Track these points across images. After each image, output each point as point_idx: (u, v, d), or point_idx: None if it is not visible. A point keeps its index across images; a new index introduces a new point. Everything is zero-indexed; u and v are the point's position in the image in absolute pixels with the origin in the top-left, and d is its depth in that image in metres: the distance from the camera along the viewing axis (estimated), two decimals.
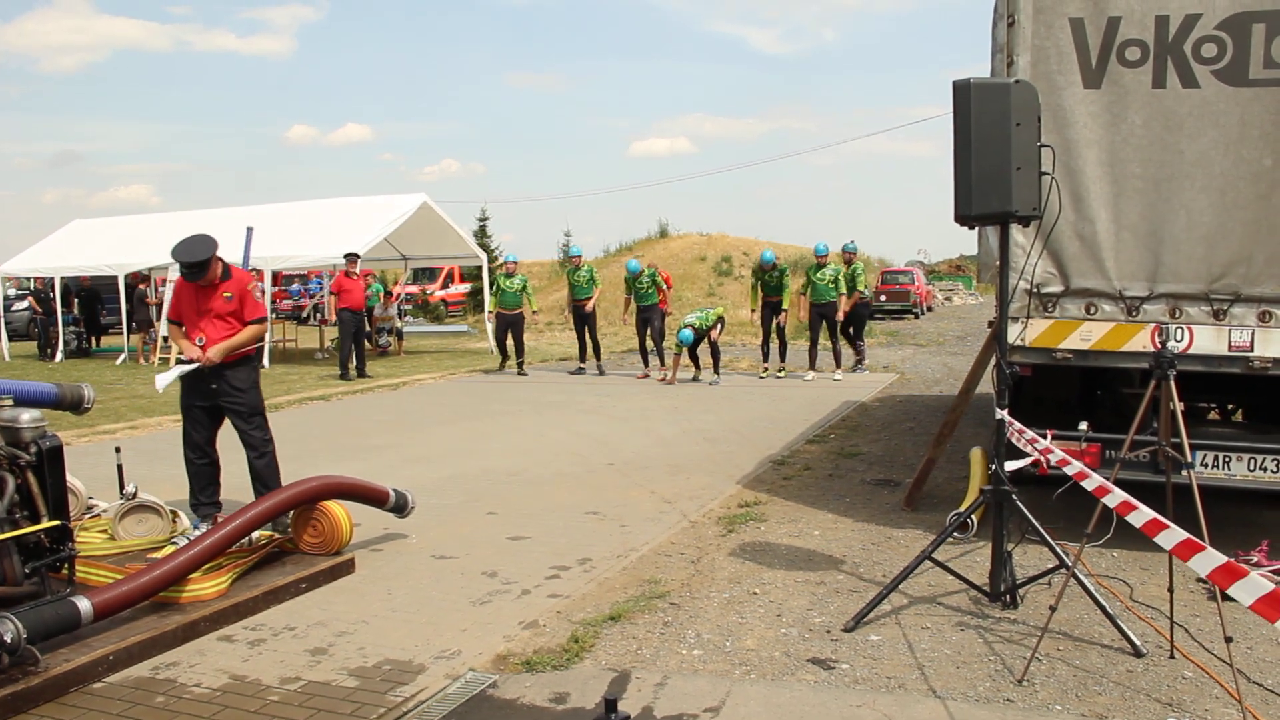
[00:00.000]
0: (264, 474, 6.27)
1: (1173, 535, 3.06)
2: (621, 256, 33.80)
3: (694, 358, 15.10)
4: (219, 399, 6.09)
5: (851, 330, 15.45)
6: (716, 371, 15.27)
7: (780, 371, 15.01)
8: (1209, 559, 2.78)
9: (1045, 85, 5.35)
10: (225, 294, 6.04)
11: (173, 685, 4.02)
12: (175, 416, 11.76)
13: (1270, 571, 5.06)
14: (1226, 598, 4.31)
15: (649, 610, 4.83)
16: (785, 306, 14.77)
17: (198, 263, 5.83)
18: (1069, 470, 4.15)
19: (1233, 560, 2.69)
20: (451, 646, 4.41)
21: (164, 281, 20.08)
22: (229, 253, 18.25)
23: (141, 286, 20.36)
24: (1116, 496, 3.57)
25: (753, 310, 15.11)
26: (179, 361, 6.09)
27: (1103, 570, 5.37)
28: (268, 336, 18.37)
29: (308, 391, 14.09)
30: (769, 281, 14.63)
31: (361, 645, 4.44)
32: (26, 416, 4.39)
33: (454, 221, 20.75)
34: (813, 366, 14.85)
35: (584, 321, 15.70)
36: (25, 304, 25.14)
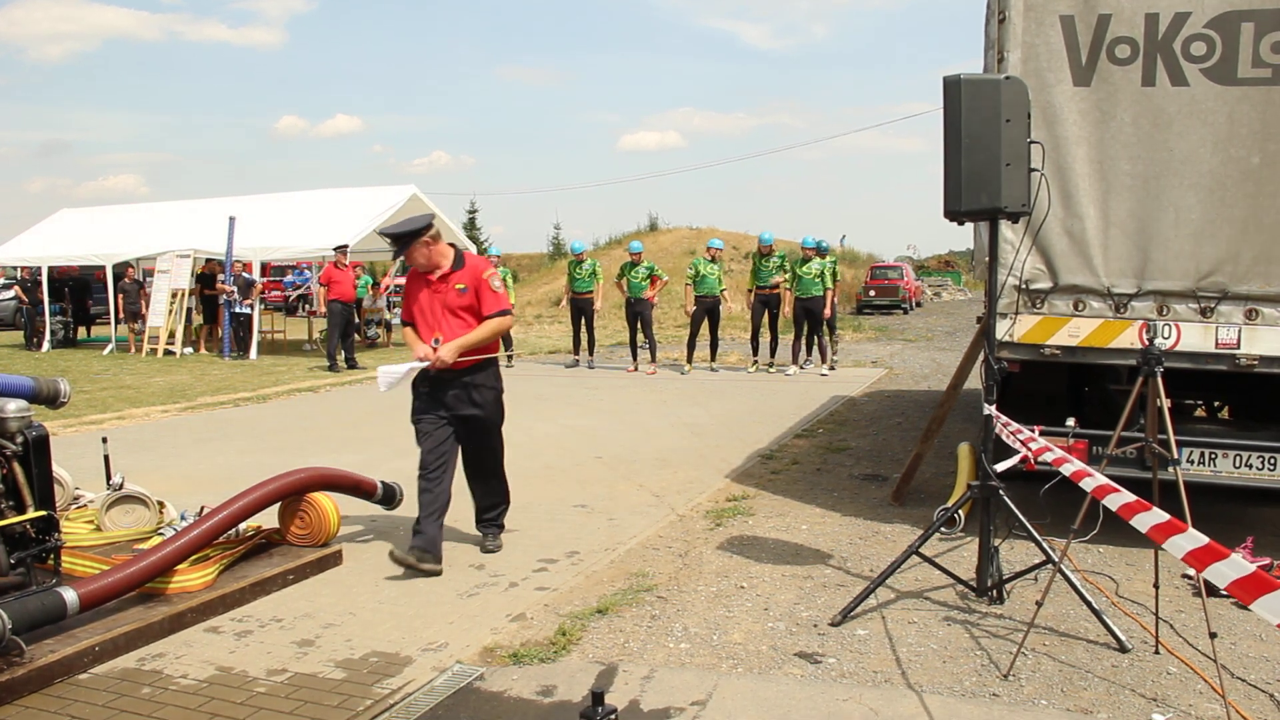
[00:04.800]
0: (489, 478, 5.75)
1: (1150, 517, 3.06)
2: (611, 250, 33.79)
3: (690, 345, 15.10)
4: (455, 409, 5.42)
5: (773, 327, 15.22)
6: (714, 358, 15.31)
7: (769, 367, 15.00)
8: (1186, 541, 2.78)
9: (1035, 82, 5.36)
10: (458, 285, 5.35)
11: (159, 676, 4.00)
12: (163, 407, 11.72)
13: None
14: (1211, 594, 4.36)
15: (636, 604, 4.84)
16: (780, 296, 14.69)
17: (397, 234, 5.30)
18: (1047, 458, 4.17)
19: (1211, 541, 2.69)
20: (438, 639, 4.41)
21: (153, 272, 20.00)
22: (215, 242, 18.26)
23: (129, 278, 20.25)
24: (1094, 480, 3.58)
25: (750, 290, 15.02)
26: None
27: (1089, 566, 5.40)
28: (255, 326, 18.44)
29: (296, 383, 14.06)
30: (763, 268, 14.54)
31: (348, 637, 4.43)
32: (12, 406, 4.36)
33: (443, 213, 20.72)
34: (795, 361, 14.87)
35: (583, 315, 15.69)
36: (11, 293, 25.01)
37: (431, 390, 5.42)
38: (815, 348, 14.95)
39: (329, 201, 20.11)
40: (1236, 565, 2.51)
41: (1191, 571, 4.54)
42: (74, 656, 4.01)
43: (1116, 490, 3.40)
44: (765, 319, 14.79)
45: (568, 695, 3.81)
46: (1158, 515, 3.04)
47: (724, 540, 5.95)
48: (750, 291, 14.91)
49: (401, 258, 5.45)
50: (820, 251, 14.59)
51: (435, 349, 5.28)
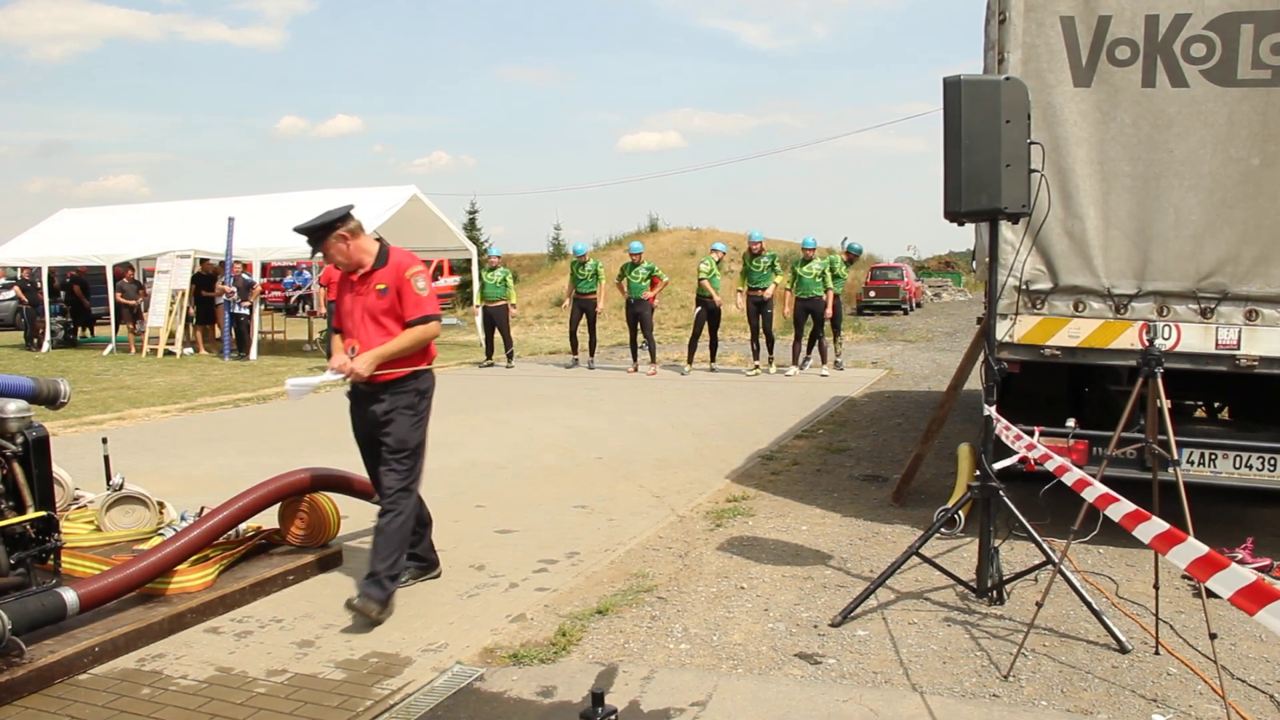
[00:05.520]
0: (384, 533, 4.67)
1: (1152, 527, 3.07)
2: (612, 250, 33.78)
3: (692, 346, 15.08)
4: (372, 428, 4.82)
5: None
6: (714, 359, 15.30)
7: (770, 368, 14.96)
8: (1189, 550, 2.78)
9: (1036, 83, 5.36)
10: (379, 286, 4.68)
11: (159, 677, 4.00)
12: (163, 408, 11.73)
13: (1254, 569, 5.10)
14: (1211, 595, 4.36)
15: (636, 604, 4.84)
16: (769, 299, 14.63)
17: (309, 228, 4.66)
18: (1049, 466, 4.17)
19: (1213, 551, 2.70)
20: (439, 639, 4.41)
21: (153, 272, 19.98)
22: (215, 243, 18.26)
23: (128, 278, 20.24)
24: (1096, 490, 3.58)
25: (739, 290, 14.99)
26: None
27: (1089, 566, 5.40)
28: (255, 326, 18.42)
29: None
30: (755, 269, 14.48)
31: (349, 638, 4.43)
32: (12, 407, 4.36)
33: (444, 214, 20.70)
34: (795, 361, 14.82)
35: (585, 315, 15.68)
36: (11, 294, 25.00)
37: (356, 406, 4.90)
38: (816, 348, 14.90)
39: (329, 202, 19.76)
40: (1240, 576, 2.52)
41: None
42: (74, 657, 4.01)
43: (1117, 500, 3.40)
44: (760, 321, 14.67)
45: (568, 696, 3.81)
46: (1159, 525, 3.04)
47: (724, 541, 5.95)
48: (739, 293, 14.86)
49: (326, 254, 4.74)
50: (852, 254, 15.14)
51: (352, 359, 4.68)
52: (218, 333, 18.62)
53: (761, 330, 14.72)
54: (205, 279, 19.06)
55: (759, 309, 14.54)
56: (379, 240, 4.86)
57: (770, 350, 14.98)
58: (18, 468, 4.33)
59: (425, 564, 5.22)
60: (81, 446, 8.79)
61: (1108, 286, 5.55)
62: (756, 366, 14.86)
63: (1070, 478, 3.86)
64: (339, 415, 11.57)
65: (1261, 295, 5.32)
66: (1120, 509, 3.32)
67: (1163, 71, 5.30)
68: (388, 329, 4.71)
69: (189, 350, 18.96)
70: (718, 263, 15.10)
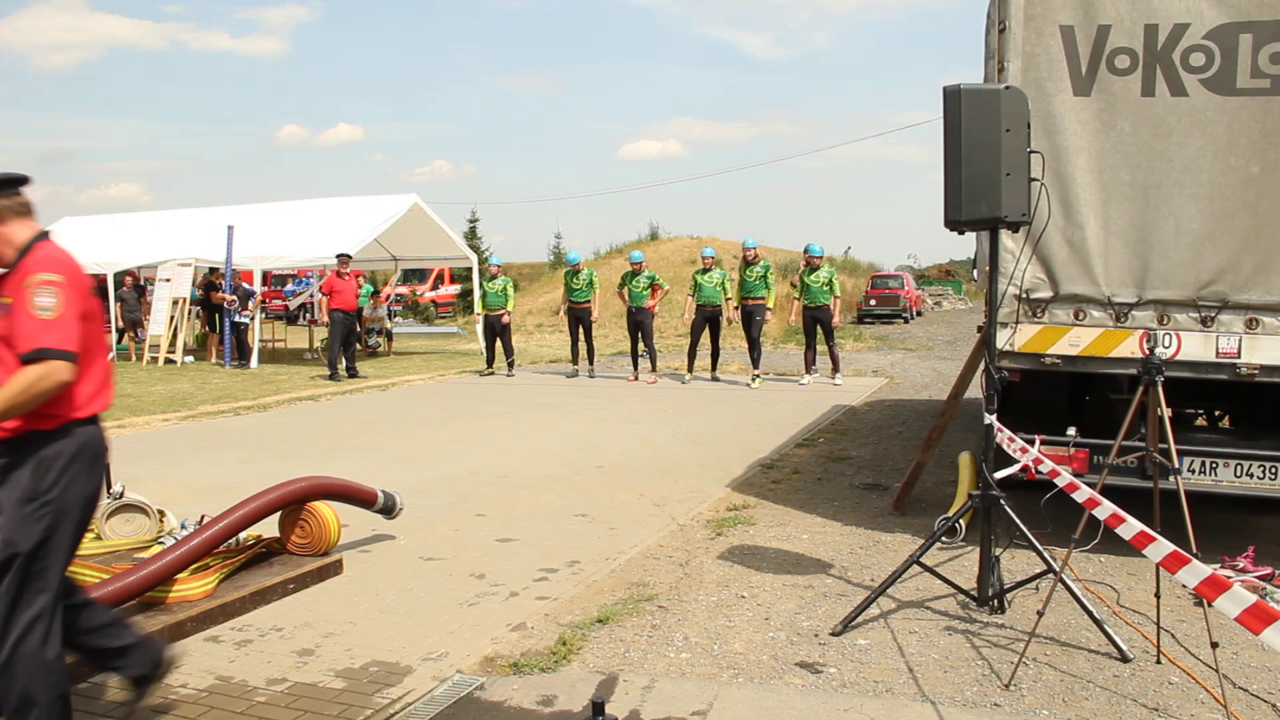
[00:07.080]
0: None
1: (1161, 548, 3.08)
2: (612, 259, 33.83)
3: (691, 355, 14.98)
4: None
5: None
6: (715, 368, 15.20)
7: (754, 382, 14.42)
8: (1195, 571, 2.79)
9: (1035, 92, 5.37)
10: (2, 300, 3.09)
11: (159, 685, 3.99)
12: (164, 416, 11.72)
13: (1255, 578, 5.09)
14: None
15: (637, 613, 4.83)
16: (770, 306, 14.47)
17: None
18: (1059, 482, 4.17)
19: (1217, 573, 2.71)
20: (439, 648, 4.40)
21: (155, 280, 20.00)
22: (217, 251, 18.34)
23: (127, 285, 20.25)
24: (1106, 509, 3.59)
25: (735, 306, 14.83)
26: None
27: (1090, 575, 5.40)
28: (256, 335, 18.44)
29: (296, 391, 14.05)
30: (748, 278, 14.30)
31: (349, 646, 4.42)
32: None
33: (444, 223, 20.74)
34: (809, 371, 14.72)
35: (581, 324, 15.67)
36: None
37: None
38: (827, 356, 14.69)
39: (330, 210, 20.12)
40: (1245, 597, 2.53)
41: None
42: (73, 665, 4.00)
43: (1125, 520, 3.40)
44: (751, 329, 14.49)
45: (568, 705, 3.81)
46: (1167, 546, 3.05)
47: (725, 550, 5.94)
48: (729, 302, 14.69)
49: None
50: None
51: None
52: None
53: (750, 340, 14.48)
54: (215, 288, 19.11)
55: (748, 317, 14.44)
56: (45, 234, 3.23)
57: (755, 362, 14.66)
58: None
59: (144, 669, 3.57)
60: None
61: (1108, 295, 5.56)
62: (756, 376, 14.63)
63: (1081, 495, 3.87)
64: (339, 422, 11.58)
65: (1262, 304, 5.33)
66: (1130, 529, 3.34)
67: (1162, 81, 5.32)
68: (7, 364, 3.07)
69: (189, 359, 18.97)
70: (706, 269, 14.60)
